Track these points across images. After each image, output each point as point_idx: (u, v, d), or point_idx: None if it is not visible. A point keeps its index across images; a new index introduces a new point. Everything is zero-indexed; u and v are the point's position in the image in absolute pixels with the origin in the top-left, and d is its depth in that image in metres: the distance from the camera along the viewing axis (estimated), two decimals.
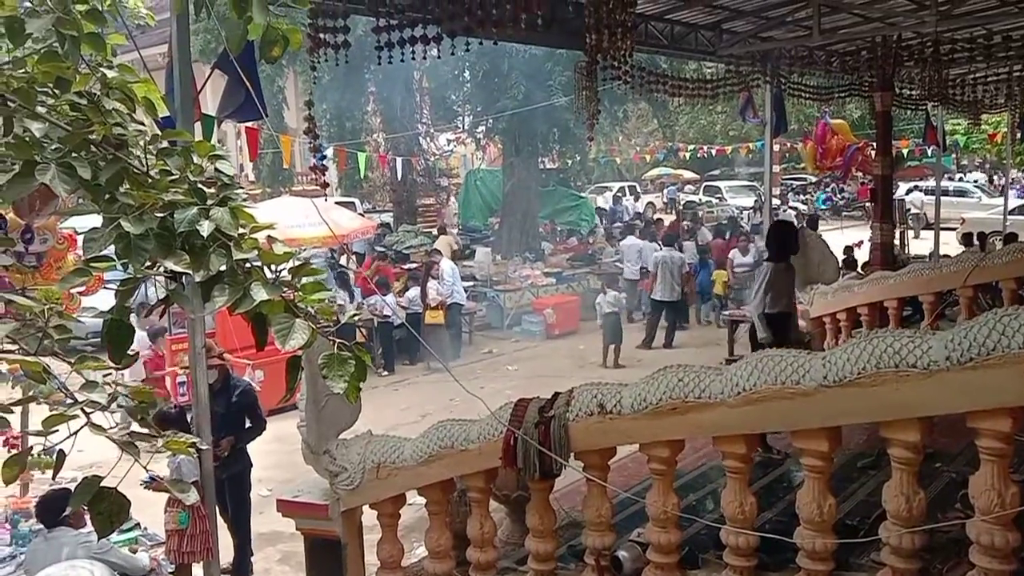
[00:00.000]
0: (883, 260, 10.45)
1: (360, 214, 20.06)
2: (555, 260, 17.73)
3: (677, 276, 13.50)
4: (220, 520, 5.59)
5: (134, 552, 5.35)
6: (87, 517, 4.64)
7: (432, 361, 12.43)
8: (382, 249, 17.35)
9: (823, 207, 30.65)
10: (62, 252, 7.03)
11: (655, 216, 23.74)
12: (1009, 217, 18.65)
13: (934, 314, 8.16)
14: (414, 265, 15.02)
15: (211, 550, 5.17)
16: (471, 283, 15.59)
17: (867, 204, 17.42)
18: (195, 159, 2.49)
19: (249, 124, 7.58)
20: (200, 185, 2.44)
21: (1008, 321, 2.81)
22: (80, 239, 8.19)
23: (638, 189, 34.72)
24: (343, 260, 14.31)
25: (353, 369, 2.18)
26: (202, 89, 5.18)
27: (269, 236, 2.41)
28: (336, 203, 18.87)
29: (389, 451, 4.47)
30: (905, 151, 24.97)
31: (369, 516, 4.74)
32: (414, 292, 13.11)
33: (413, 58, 5.89)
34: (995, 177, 36.23)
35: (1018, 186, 31.55)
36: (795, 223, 17.91)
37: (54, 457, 5.84)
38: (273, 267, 2.37)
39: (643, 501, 3.91)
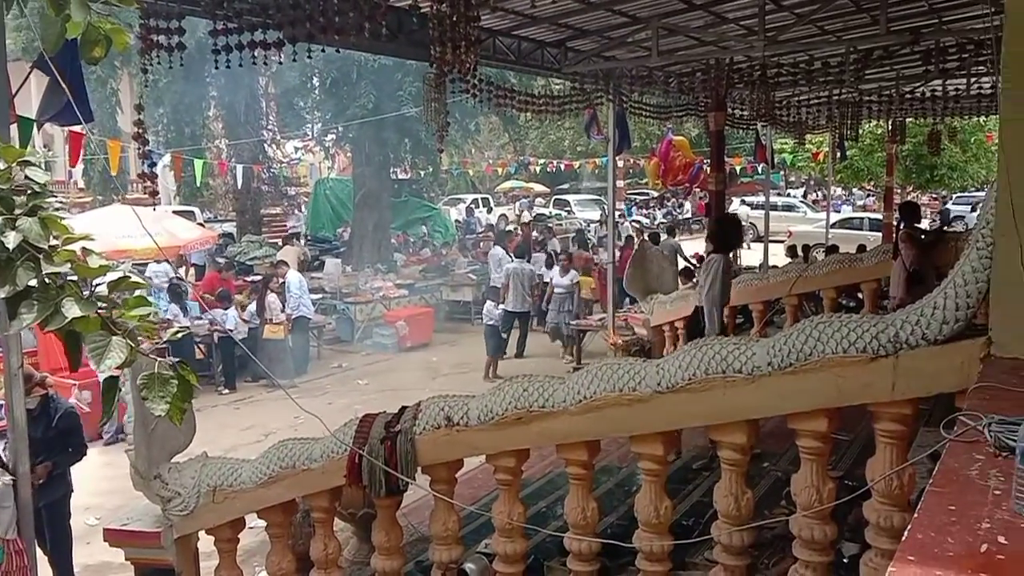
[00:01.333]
0: None
1: (200, 224, 19.19)
2: (408, 271, 17.61)
3: (527, 287, 13.73)
4: (40, 553, 5.15)
5: None
6: None
7: (279, 377, 12.03)
8: (224, 260, 16.65)
9: (663, 220, 32.05)
10: None
11: (508, 228, 24.09)
12: (831, 230, 20.14)
13: (763, 321, 8.69)
14: (258, 277, 14.49)
15: None
16: (320, 295, 15.22)
17: (703, 219, 18.35)
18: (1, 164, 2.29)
19: (74, 128, 7.07)
20: (9, 193, 2.25)
21: (823, 328, 3.02)
22: None
23: (491, 201, 35.13)
24: (179, 272, 13.61)
25: (175, 389, 2.06)
26: (19, 89, 4.77)
27: (84, 248, 2.25)
28: (174, 212, 17.98)
29: (226, 474, 4.27)
30: (738, 168, 26.55)
31: (206, 542, 4.51)
32: (253, 306, 12.69)
33: (254, 63, 5.68)
34: (810, 193, 39.28)
35: (838, 201, 34.25)
36: (658, 232, 18.75)
37: None
38: (90, 281, 2.22)
39: (488, 515, 3.92)
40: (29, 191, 2.28)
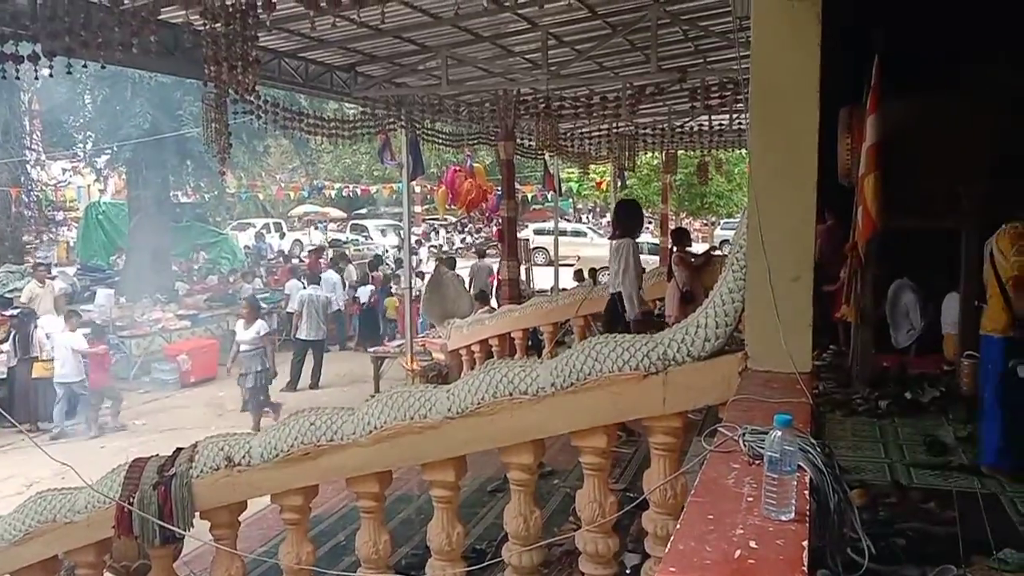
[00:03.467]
0: (511, 294, 11.32)
1: None
2: (191, 301, 16.57)
3: (322, 314, 13.38)
4: None
5: None
6: None
7: (41, 422, 10.90)
8: None
9: (460, 246, 32.52)
10: None
11: (302, 253, 23.36)
12: None
13: (553, 342, 9.00)
14: (16, 311, 13.05)
15: None
16: (89, 329, 13.95)
17: (497, 244, 18.83)
18: None
19: None
20: None
21: (600, 348, 3.15)
22: None
23: (284, 226, 34.02)
24: None
25: None
26: None
27: None
28: None
29: None
30: (529, 195, 27.51)
31: None
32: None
33: (3, 77, 5.14)
34: (597, 220, 41.40)
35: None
36: (454, 257, 18.97)
37: None
38: None
39: (273, 560, 3.74)
40: None
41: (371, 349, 13.25)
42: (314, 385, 13.12)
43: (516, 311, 9.43)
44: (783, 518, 1.72)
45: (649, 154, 18.57)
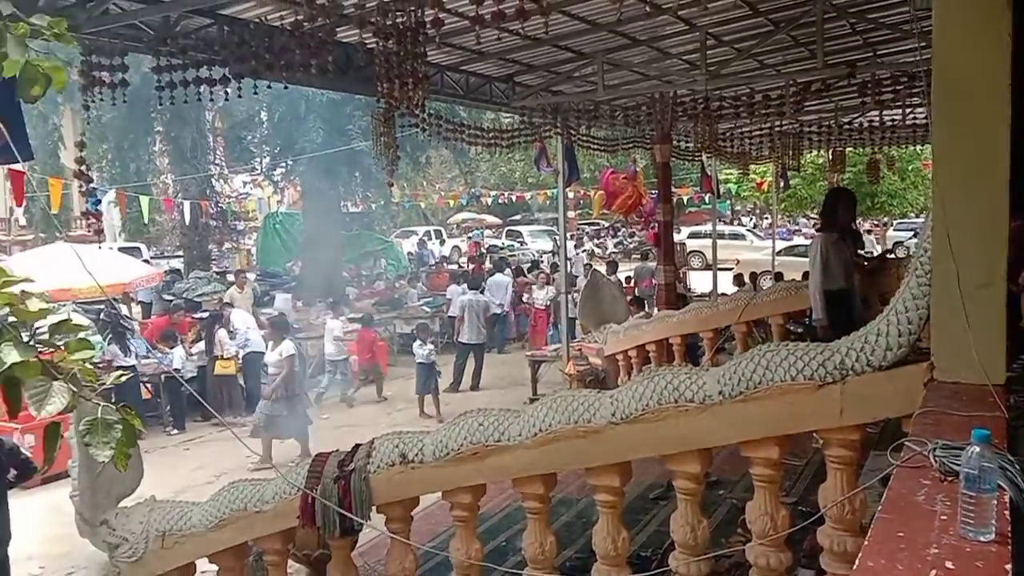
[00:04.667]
0: (667, 299, 11.16)
1: (146, 260, 18.82)
2: (360, 305, 17.45)
3: (482, 319, 13.73)
4: None
5: None
6: None
7: (226, 416, 11.79)
8: (170, 297, 16.32)
9: (615, 251, 32.37)
10: None
11: (461, 259, 24.11)
12: (777, 258, 20.54)
13: (713, 349, 8.79)
14: (206, 314, 14.23)
15: None
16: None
17: (653, 248, 18.65)
18: None
19: (14, 167, 6.92)
20: None
21: (771, 356, 3.07)
22: None
23: (444, 233, 35.14)
24: (123, 310, 13.31)
25: (120, 434, 2.01)
26: None
27: (23, 291, 2.19)
28: (119, 249, 17.62)
29: (176, 518, 4.17)
30: (685, 198, 27.00)
31: None
32: (202, 344, 12.48)
33: (199, 99, 5.64)
34: (757, 222, 40.00)
35: (784, 229, 35.00)
36: (615, 261, 19.11)
37: None
38: (30, 324, 2.15)
39: (444, 553, 3.87)
40: None
41: (528, 353, 13.47)
42: (475, 387, 13.49)
43: (674, 316, 9.28)
44: (982, 539, 1.62)
45: (814, 152, 17.80)
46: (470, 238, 35.16)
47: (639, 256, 19.94)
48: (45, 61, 2.40)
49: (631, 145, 13.38)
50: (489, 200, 30.67)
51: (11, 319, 2.12)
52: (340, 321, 13.68)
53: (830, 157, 17.47)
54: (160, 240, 26.89)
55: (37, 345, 2.09)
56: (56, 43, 2.41)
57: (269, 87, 5.59)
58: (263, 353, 12.36)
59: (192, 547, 4.16)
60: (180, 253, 23.75)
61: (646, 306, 12.81)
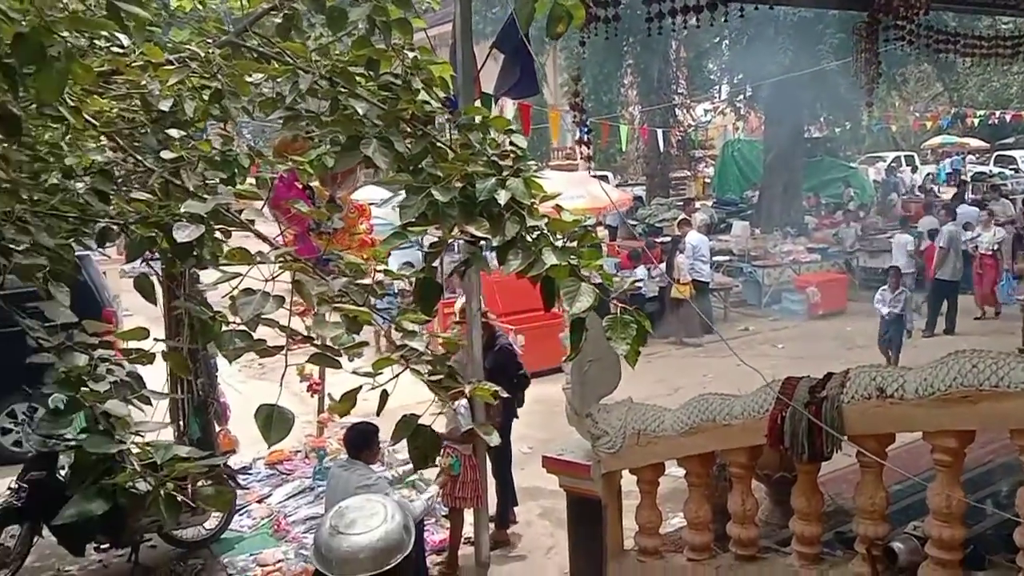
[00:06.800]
0: None
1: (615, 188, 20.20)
2: (820, 235, 16.76)
3: (961, 255, 12.31)
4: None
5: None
6: (380, 458, 5.18)
7: (684, 336, 12.33)
8: (634, 222, 17.37)
9: None
10: (354, 221, 7.84)
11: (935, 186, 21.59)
12: None
13: None
14: (667, 239, 14.91)
15: (481, 498, 5.56)
16: (727, 258, 15.20)
17: None
18: (492, 134, 2.68)
19: (523, 101, 7.92)
20: (495, 158, 2.62)
21: None
22: (372, 209, 9.08)
23: (916, 160, 31.76)
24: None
25: (635, 333, 2.26)
26: (482, 68, 5.50)
27: (557, 205, 2.55)
28: (591, 176, 19.18)
29: (649, 419, 4.54)
30: None
31: (628, 481, 4.86)
32: (663, 267, 13.10)
33: (674, 29, 5.82)
34: None
35: None
36: None
37: (346, 401, 6.49)
38: (559, 234, 2.51)
39: (917, 495, 3.66)
40: (513, 155, 2.64)
41: (1020, 297, 11.72)
42: (949, 330, 12.20)
43: None
44: None
45: None
46: (949, 164, 31.22)
47: None
48: (567, 0, 2.71)
49: None
50: (975, 121, 26.72)
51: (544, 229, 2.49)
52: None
53: None
54: (625, 169, 28.57)
55: (566, 252, 2.42)
56: None
57: (756, 8, 5.54)
58: (706, 282, 12.63)
59: (663, 448, 4.51)
60: (642, 181, 25.05)
61: None
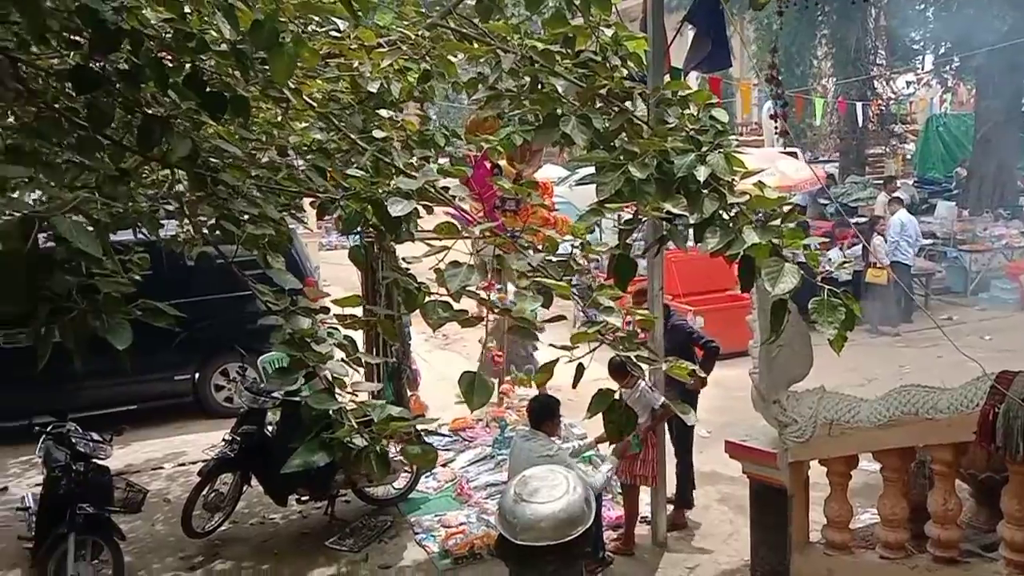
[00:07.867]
0: None
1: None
2: None
3: None
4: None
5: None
6: (559, 431, 5.26)
7: (879, 323, 11.60)
8: (825, 201, 16.47)
9: None
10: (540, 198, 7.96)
11: None
12: None
13: None
14: (862, 220, 14.03)
15: (657, 477, 5.53)
16: (930, 241, 14.10)
17: None
18: (691, 108, 2.64)
19: (712, 75, 7.72)
20: (693, 133, 2.58)
21: None
22: (553, 187, 9.19)
23: None
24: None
25: (843, 317, 2.16)
26: (672, 41, 5.40)
27: (759, 181, 2.47)
28: (780, 152, 18.35)
29: (843, 409, 4.34)
30: None
31: (816, 472, 4.68)
32: (856, 249, 12.33)
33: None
34: None
35: None
36: None
37: (529, 375, 6.64)
38: (759, 212, 2.43)
39: None
40: (713, 130, 2.59)
41: None
42: None
43: None
44: None
45: None
46: None
47: None
48: None
49: None
50: None
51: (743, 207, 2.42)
52: None
53: None
54: (815, 145, 27.09)
55: (768, 230, 2.34)
56: None
57: None
58: (909, 265, 11.76)
59: (857, 440, 4.30)
60: (835, 158, 23.66)
61: None
